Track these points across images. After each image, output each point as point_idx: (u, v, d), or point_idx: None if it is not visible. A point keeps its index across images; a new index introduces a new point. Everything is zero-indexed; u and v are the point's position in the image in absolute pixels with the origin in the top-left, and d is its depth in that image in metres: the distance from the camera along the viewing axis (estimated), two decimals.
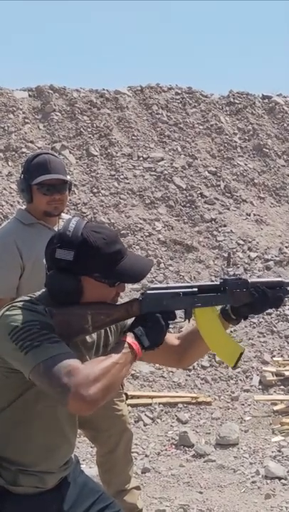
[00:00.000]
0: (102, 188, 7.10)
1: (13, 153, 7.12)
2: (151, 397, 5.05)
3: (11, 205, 6.53)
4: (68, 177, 2.87)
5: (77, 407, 1.56)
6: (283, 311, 5.99)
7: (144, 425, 4.72)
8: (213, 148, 7.91)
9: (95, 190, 7.07)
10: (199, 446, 4.34)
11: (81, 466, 2.11)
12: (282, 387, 5.27)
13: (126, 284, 1.80)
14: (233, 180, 7.63)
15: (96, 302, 1.74)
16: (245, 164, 7.85)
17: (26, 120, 7.48)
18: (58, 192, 2.78)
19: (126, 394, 3.04)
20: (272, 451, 4.25)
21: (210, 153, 7.84)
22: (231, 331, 5.65)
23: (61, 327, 1.67)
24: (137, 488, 3.06)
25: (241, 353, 1.91)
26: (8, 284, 2.76)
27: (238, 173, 7.71)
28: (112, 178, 7.23)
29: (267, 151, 8.02)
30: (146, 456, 4.27)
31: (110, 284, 1.74)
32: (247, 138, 8.15)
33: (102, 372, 1.57)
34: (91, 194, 7.04)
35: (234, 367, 2.00)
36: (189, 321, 1.86)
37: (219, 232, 6.96)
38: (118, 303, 1.82)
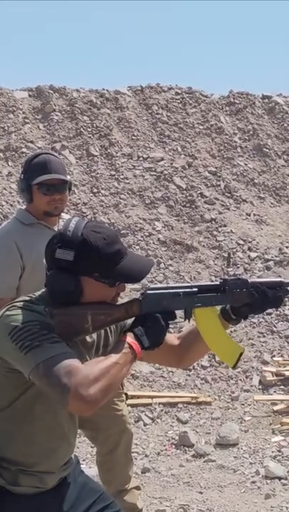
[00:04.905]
0: (102, 188, 7.10)
1: (13, 153, 7.12)
2: (151, 397, 5.05)
3: (11, 205, 6.53)
4: (68, 177, 2.87)
5: (77, 407, 1.56)
6: (283, 311, 5.99)
7: (144, 425, 4.72)
8: (213, 148, 7.91)
9: (95, 190, 7.07)
10: (199, 446, 4.34)
11: (81, 466, 2.11)
12: (282, 387, 5.27)
13: (126, 284, 1.80)
14: (233, 180, 7.63)
15: (96, 302, 1.74)
16: (245, 164, 7.85)
17: (26, 120, 7.48)
18: (57, 192, 2.78)
19: (126, 394, 3.04)
20: (272, 451, 4.25)
21: (210, 153, 7.84)
22: (231, 331, 5.64)
23: (61, 327, 1.67)
24: (137, 488, 3.06)
25: (241, 353, 1.91)
26: (8, 284, 2.76)
27: (238, 173, 7.71)
28: (112, 178, 7.23)
29: (267, 151, 8.02)
30: (146, 456, 4.27)
31: (110, 284, 1.73)
32: (247, 138, 8.15)
33: (102, 372, 1.57)
34: (91, 194, 7.04)
35: (234, 367, 2.00)
36: (189, 321, 1.86)
37: (219, 232, 6.96)
38: (118, 303, 1.82)
